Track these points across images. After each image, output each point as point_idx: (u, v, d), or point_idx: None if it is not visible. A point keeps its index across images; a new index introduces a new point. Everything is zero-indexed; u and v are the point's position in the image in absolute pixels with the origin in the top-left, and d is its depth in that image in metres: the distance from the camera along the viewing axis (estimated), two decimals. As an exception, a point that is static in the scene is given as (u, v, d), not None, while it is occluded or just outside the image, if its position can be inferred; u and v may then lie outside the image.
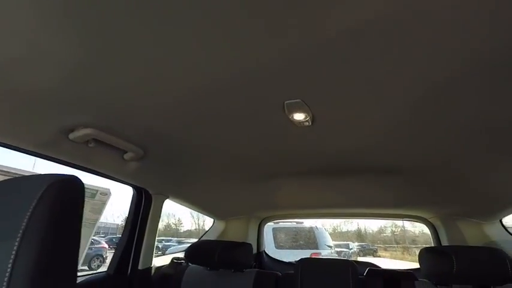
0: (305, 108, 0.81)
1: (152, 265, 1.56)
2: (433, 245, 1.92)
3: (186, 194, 1.61)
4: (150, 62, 0.62)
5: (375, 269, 1.32)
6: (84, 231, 1.24)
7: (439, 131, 0.85)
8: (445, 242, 1.78)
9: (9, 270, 0.36)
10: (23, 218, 0.38)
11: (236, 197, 1.70)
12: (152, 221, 1.52)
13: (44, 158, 0.97)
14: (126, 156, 1.08)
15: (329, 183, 1.41)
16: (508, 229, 1.57)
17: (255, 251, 2.23)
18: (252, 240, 2.21)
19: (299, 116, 0.87)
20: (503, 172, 1.03)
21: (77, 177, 0.47)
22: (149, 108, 0.82)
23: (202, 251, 1.40)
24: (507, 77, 0.61)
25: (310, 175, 1.31)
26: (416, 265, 1.16)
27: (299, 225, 6.44)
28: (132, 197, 1.49)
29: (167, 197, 1.57)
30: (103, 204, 1.29)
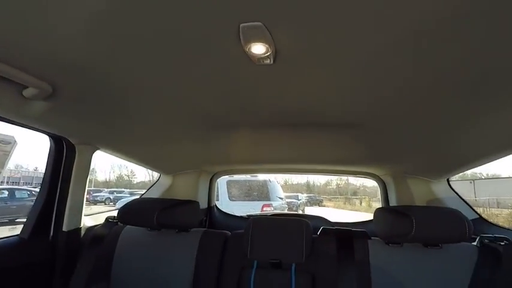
0: (266, 38, 0.60)
1: (82, 225, 1.35)
2: (381, 203, 1.97)
3: (120, 145, 1.35)
4: None
5: (328, 228, 1.27)
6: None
7: (397, 85, 0.73)
8: (392, 198, 1.82)
9: None
10: None
11: (183, 150, 1.49)
12: (78, 176, 1.27)
13: None
14: (26, 93, 0.79)
15: (284, 138, 1.27)
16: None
17: (205, 205, 2.11)
18: (202, 195, 2.08)
19: (258, 49, 0.65)
20: (456, 133, 0.98)
21: None
22: (52, 28, 0.55)
23: (137, 211, 1.22)
24: (473, 27, 0.49)
25: (265, 127, 1.14)
26: (358, 214, 1.13)
27: (253, 178, 6.59)
28: (50, 148, 1.21)
29: (97, 148, 1.31)
30: (6, 155, 1.01)
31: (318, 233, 1.26)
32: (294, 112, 0.98)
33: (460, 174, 1.62)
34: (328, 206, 23.71)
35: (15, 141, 1.01)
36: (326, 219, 2.00)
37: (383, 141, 1.21)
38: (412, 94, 0.76)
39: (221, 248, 1.23)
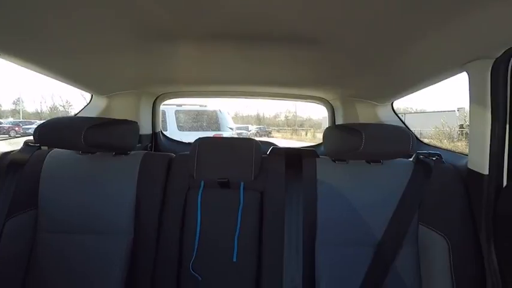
0: None
1: None
2: (329, 123, 2.01)
3: (38, 57, 1.07)
4: None
5: (278, 148, 1.25)
6: None
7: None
8: (340, 122, 1.86)
9: None
10: None
11: (117, 65, 1.25)
12: None
13: None
14: None
15: (231, 53, 1.12)
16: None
17: (149, 131, 1.96)
18: (145, 120, 1.89)
19: None
20: (401, 55, 0.95)
21: None
22: None
23: (61, 131, 1.03)
24: None
25: (211, 40, 0.97)
26: (302, 144, 1.13)
27: (202, 108, 6.43)
28: None
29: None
30: None
31: (268, 153, 1.23)
32: (240, 20, 0.82)
33: (395, 107, 1.70)
34: (276, 137, 24.87)
35: None
36: (276, 145, 2.02)
37: (332, 61, 1.15)
38: (361, 11, 0.69)
39: (165, 170, 1.15)
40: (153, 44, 0.99)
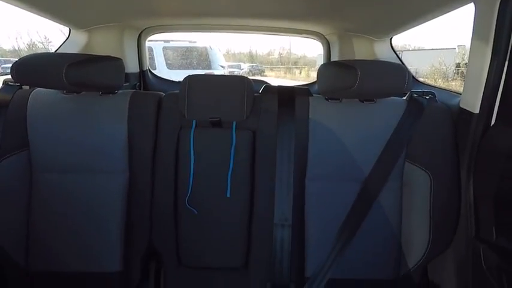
0: None
1: None
2: (324, 61, 1.94)
3: None
4: None
5: (270, 86, 1.22)
6: None
7: None
8: (335, 59, 1.79)
9: None
10: None
11: None
12: None
13: None
14: None
15: None
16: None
17: (136, 70, 1.86)
18: (130, 56, 1.79)
19: None
20: None
21: None
22: None
23: (39, 68, 0.97)
24: None
25: None
26: (296, 83, 1.11)
27: (192, 45, 6.09)
28: None
29: None
30: None
31: (260, 91, 1.20)
32: None
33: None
34: (269, 76, 24.22)
35: None
36: (269, 83, 1.96)
37: None
38: None
39: (155, 109, 1.13)
40: None
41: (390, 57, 1.61)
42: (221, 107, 1.09)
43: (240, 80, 1.11)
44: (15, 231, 1.06)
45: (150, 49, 4.87)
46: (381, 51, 1.63)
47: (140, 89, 1.90)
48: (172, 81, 2.11)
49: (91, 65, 1.00)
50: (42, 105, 1.08)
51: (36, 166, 1.08)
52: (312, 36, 1.89)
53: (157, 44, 5.35)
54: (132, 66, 1.80)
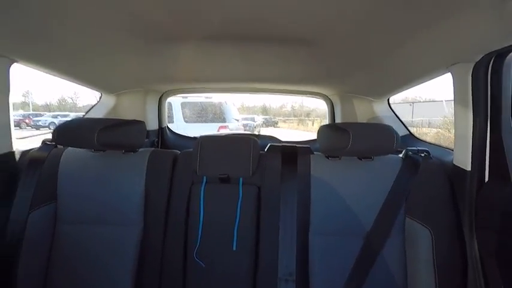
0: None
1: (15, 149, 1.23)
2: (327, 120, 2.08)
3: (44, 59, 1.16)
4: None
5: (275, 145, 1.33)
6: None
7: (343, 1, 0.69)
8: (339, 117, 1.92)
9: None
10: None
11: (124, 65, 1.34)
12: None
13: None
14: None
15: (231, 52, 1.20)
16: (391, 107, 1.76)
17: (155, 127, 2.05)
18: (151, 116, 1.99)
19: None
20: (400, 52, 1.01)
21: None
22: None
23: (76, 132, 1.13)
24: None
25: (212, 41, 1.04)
26: (309, 135, 1.21)
27: (208, 100, 6.46)
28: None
29: (15, 61, 1.12)
30: None
31: (266, 150, 1.31)
32: (239, 21, 0.89)
33: (402, 97, 1.78)
34: (282, 127, 24.84)
35: None
36: (277, 139, 2.09)
37: (326, 61, 1.21)
38: (356, 11, 0.74)
39: (170, 166, 1.24)
40: (157, 45, 1.07)
41: (388, 115, 1.72)
42: (229, 164, 1.19)
43: (247, 139, 1.23)
44: (35, 279, 1.12)
45: (169, 104, 5.22)
46: (379, 110, 1.75)
47: (158, 144, 2.07)
48: (187, 136, 2.28)
49: (118, 129, 1.15)
50: (72, 162, 1.22)
51: (61, 218, 1.18)
52: (316, 97, 2.05)
53: (176, 99, 5.74)
54: (152, 124, 1.99)
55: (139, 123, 1.24)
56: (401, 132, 1.67)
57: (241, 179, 1.20)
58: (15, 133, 1.24)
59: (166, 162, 1.24)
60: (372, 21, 0.79)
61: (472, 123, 0.97)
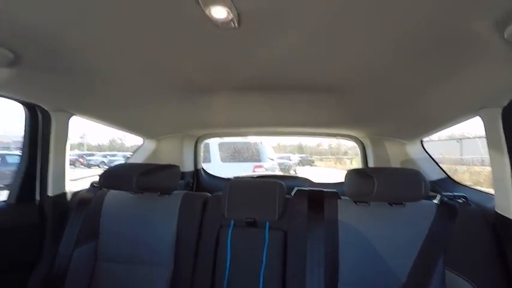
0: (224, 1, 0.60)
1: (67, 190, 1.39)
2: (360, 161, 2.05)
3: (96, 111, 1.35)
4: None
5: (302, 189, 1.34)
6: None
7: (376, 47, 0.74)
8: (371, 159, 1.89)
9: None
10: None
11: (162, 114, 1.50)
12: (57, 142, 1.29)
13: None
14: None
15: (264, 101, 1.29)
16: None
17: (191, 169, 2.17)
18: (188, 158, 2.12)
19: (220, 13, 0.64)
20: (429, 96, 1.01)
21: None
22: None
23: (118, 176, 1.26)
24: None
25: (243, 91, 1.15)
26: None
27: (244, 140, 6.65)
28: (25, 116, 1.21)
29: (72, 114, 1.31)
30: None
31: (293, 194, 1.32)
32: (267, 75, 0.98)
33: (448, 133, 1.70)
34: (319, 166, 24.34)
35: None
36: (310, 180, 2.09)
37: (358, 105, 1.24)
38: (384, 58, 0.77)
39: (201, 209, 1.30)
40: (192, 96, 1.20)
41: (422, 157, 1.66)
42: (256, 208, 1.22)
43: (273, 184, 1.26)
44: None
45: (207, 145, 5.47)
46: (412, 152, 1.70)
47: (193, 186, 2.17)
48: (221, 178, 2.36)
49: (154, 173, 1.25)
50: (114, 203, 1.33)
51: (100, 255, 1.27)
52: (347, 139, 2.05)
53: (214, 140, 6.01)
54: (188, 166, 2.12)
55: (173, 168, 1.34)
56: (437, 175, 1.59)
57: (267, 224, 1.21)
58: (70, 171, 1.41)
59: (197, 205, 1.30)
60: (399, 67, 0.81)
61: (509, 168, 0.92)
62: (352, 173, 1.14)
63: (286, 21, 0.67)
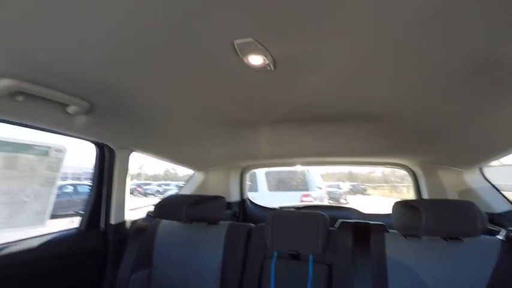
0: (261, 50, 0.67)
1: (126, 219, 1.54)
2: (413, 191, 1.93)
3: (152, 148, 1.51)
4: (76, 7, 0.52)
5: (346, 222, 1.30)
6: (43, 189, 1.18)
7: (417, 74, 0.74)
8: (424, 189, 1.77)
9: None
10: None
11: (211, 149, 1.61)
12: (119, 175, 1.46)
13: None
14: (69, 109, 0.95)
15: (304, 132, 1.32)
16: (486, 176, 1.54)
17: (237, 198, 2.24)
18: (234, 189, 2.20)
19: (257, 60, 0.73)
20: (486, 122, 0.95)
21: None
22: (83, 57, 0.68)
23: (170, 207, 1.36)
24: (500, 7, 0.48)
25: (285, 123, 1.21)
26: None
27: (291, 169, 6.60)
28: (96, 153, 1.40)
29: (132, 151, 1.48)
30: (59, 161, 1.20)
31: (337, 226, 1.29)
32: (309, 108, 1.03)
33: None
34: (372, 195, 22.84)
35: (66, 149, 1.21)
36: (358, 211, 2.01)
37: (404, 132, 1.21)
38: (432, 86, 0.77)
39: (245, 239, 1.33)
40: (237, 130, 1.29)
41: (484, 187, 1.51)
42: (299, 240, 1.22)
43: (316, 215, 1.25)
44: None
45: (254, 174, 5.54)
46: (471, 181, 1.55)
47: (240, 216, 2.22)
48: (266, 207, 2.39)
49: (202, 204, 1.33)
50: (166, 232, 1.43)
51: (153, 282, 1.35)
52: (396, 167, 1.96)
53: (260, 170, 6.08)
54: (234, 196, 2.19)
55: (219, 199, 1.41)
56: (503, 206, 1.42)
57: (311, 257, 1.19)
58: (129, 200, 1.56)
59: (241, 235, 1.34)
60: (447, 96, 0.80)
61: None
62: (398, 205, 1.09)
63: (321, 61, 0.72)
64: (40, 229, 1.22)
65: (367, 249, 1.08)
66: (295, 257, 1.21)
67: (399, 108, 0.94)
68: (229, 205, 2.16)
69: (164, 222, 1.48)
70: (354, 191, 22.20)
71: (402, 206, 1.07)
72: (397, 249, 1.07)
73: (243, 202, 2.30)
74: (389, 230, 1.16)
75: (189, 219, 1.30)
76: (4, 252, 1.05)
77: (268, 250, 1.26)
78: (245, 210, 2.29)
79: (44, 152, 1.15)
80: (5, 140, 1.04)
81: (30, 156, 1.10)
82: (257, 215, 2.26)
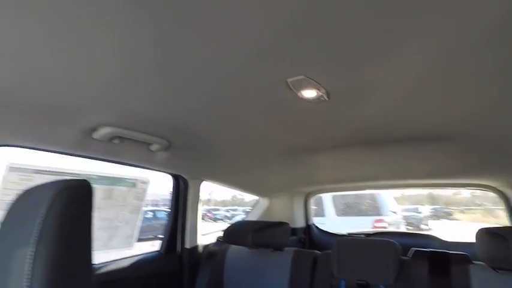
0: (313, 84, 0.73)
1: (199, 243, 1.66)
2: (507, 216, 1.68)
3: (221, 176, 1.64)
4: (152, 61, 0.64)
5: (421, 251, 1.19)
6: (132, 216, 1.38)
7: (490, 89, 0.70)
8: None
9: (29, 273, 0.40)
10: (37, 225, 0.42)
11: (275, 175, 1.68)
12: (192, 203, 1.60)
13: (77, 156, 1.07)
14: (152, 147, 1.12)
15: (368, 155, 1.30)
16: None
17: (303, 224, 2.22)
18: (298, 214, 2.20)
19: (310, 93, 0.78)
20: None
21: (85, 180, 0.49)
22: (162, 104, 0.85)
23: (237, 232, 1.44)
24: None
25: (345, 148, 1.22)
26: None
27: (360, 192, 6.25)
28: (173, 184, 1.58)
29: (203, 180, 1.62)
30: (144, 191, 1.39)
31: (411, 255, 1.20)
32: (369, 132, 1.03)
33: None
34: (460, 219, 19.84)
35: (149, 180, 1.40)
36: (438, 238, 1.82)
37: (483, 151, 1.10)
38: (493, 106, 0.74)
39: (311, 267, 1.32)
40: (299, 157, 1.34)
41: None
42: (368, 269, 1.16)
43: (387, 244, 1.18)
44: None
45: (320, 198, 5.38)
46: None
47: (305, 242, 2.19)
48: (333, 233, 2.31)
49: (267, 230, 1.38)
50: (234, 257, 1.50)
51: None
52: (481, 189, 1.74)
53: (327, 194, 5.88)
54: (299, 222, 2.19)
55: (283, 225, 1.44)
56: None
57: (381, 287, 1.12)
58: (201, 225, 1.69)
59: (307, 262, 1.33)
60: None
61: None
62: (482, 233, 0.98)
63: (376, 87, 0.73)
64: (128, 251, 1.41)
65: (447, 282, 0.98)
66: (364, 286, 1.15)
67: (469, 127, 0.88)
68: (294, 231, 2.16)
69: (233, 247, 1.55)
70: (437, 215, 19.65)
71: (486, 233, 0.95)
72: (486, 285, 0.94)
73: (309, 228, 2.27)
74: (474, 262, 1.03)
75: (254, 244, 1.35)
76: (102, 270, 1.24)
77: (335, 279, 1.23)
78: (311, 237, 2.25)
79: (132, 183, 1.35)
80: (103, 174, 1.27)
81: (122, 188, 1.31)
82: (323, 241, 2.20)
